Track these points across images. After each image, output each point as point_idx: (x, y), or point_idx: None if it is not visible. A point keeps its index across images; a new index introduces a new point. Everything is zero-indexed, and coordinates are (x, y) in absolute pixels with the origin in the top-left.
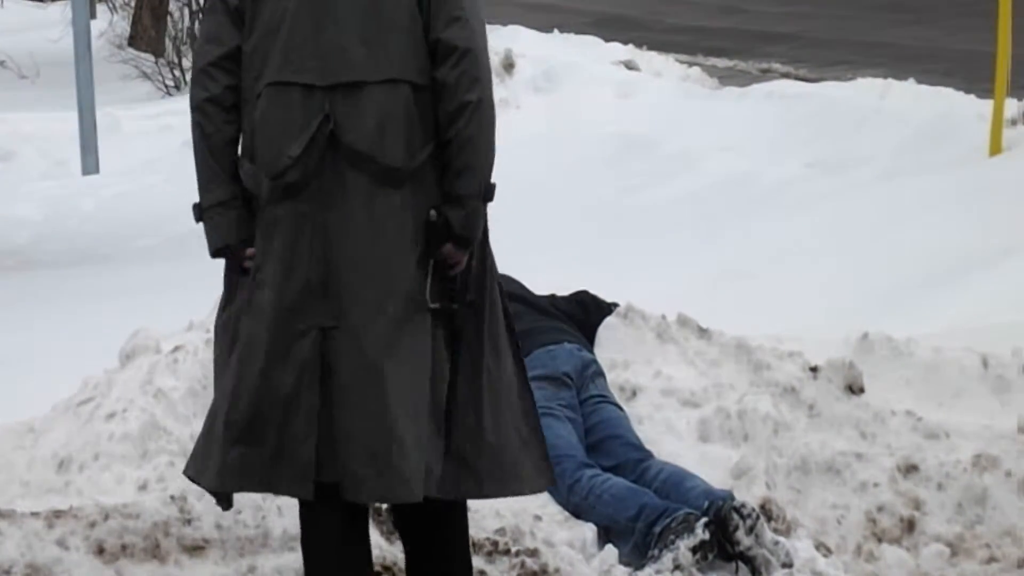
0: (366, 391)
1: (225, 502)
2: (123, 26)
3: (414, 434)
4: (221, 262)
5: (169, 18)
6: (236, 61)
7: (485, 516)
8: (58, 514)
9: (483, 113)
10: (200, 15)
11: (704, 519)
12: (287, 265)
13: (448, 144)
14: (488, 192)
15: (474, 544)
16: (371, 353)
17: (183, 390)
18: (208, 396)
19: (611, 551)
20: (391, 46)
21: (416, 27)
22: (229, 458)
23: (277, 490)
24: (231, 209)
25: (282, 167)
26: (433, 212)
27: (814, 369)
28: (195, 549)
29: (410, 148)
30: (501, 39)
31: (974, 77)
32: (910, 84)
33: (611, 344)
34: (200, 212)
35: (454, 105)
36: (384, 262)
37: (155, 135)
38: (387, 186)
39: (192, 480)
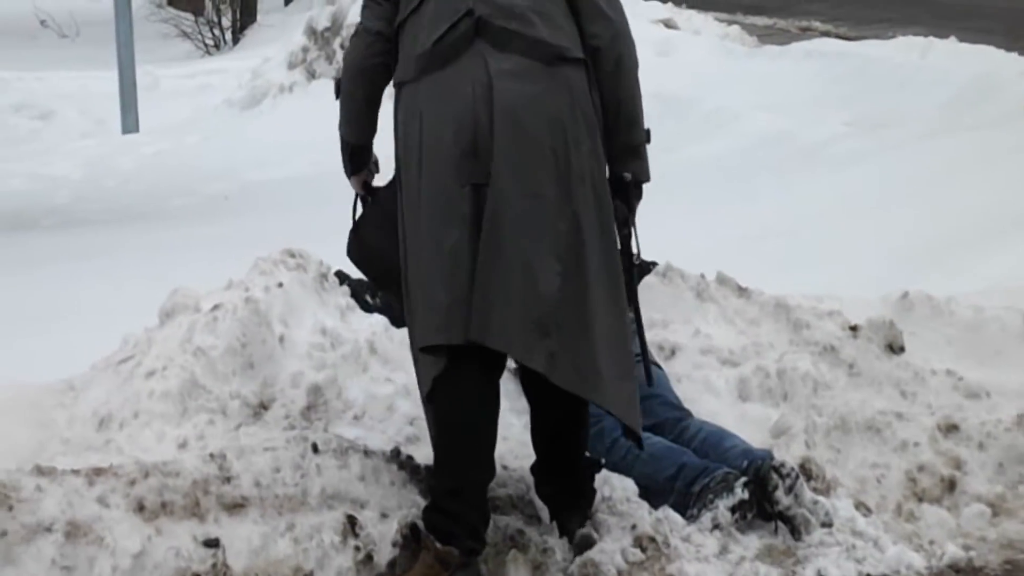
0: (499, 246)
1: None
2: None
3: (549, 310)
4: (260, 221)
5: None
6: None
7: (523, 476)
8: (98, 472)
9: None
10: None
11: (743, 478)
12: (440, 130)
13: (608, 107)
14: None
15: (514, 502)
16: (510, 211)
17: (222, 348)
18: (246, 354)
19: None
20: None
21: None
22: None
23: (449, 339)
24: (363, 120)
25: (425, 49)
26: (626, 173)
27: (854, 328)
28: (234, 507)
29: (561, 37)
30: None
31: (1016, 35)
32: (951, 42)
33: (650, 303)
34: (339, 93)
35: (608, 69)
36: (539, 133)
37: (194, 94)
38: (537, 60)
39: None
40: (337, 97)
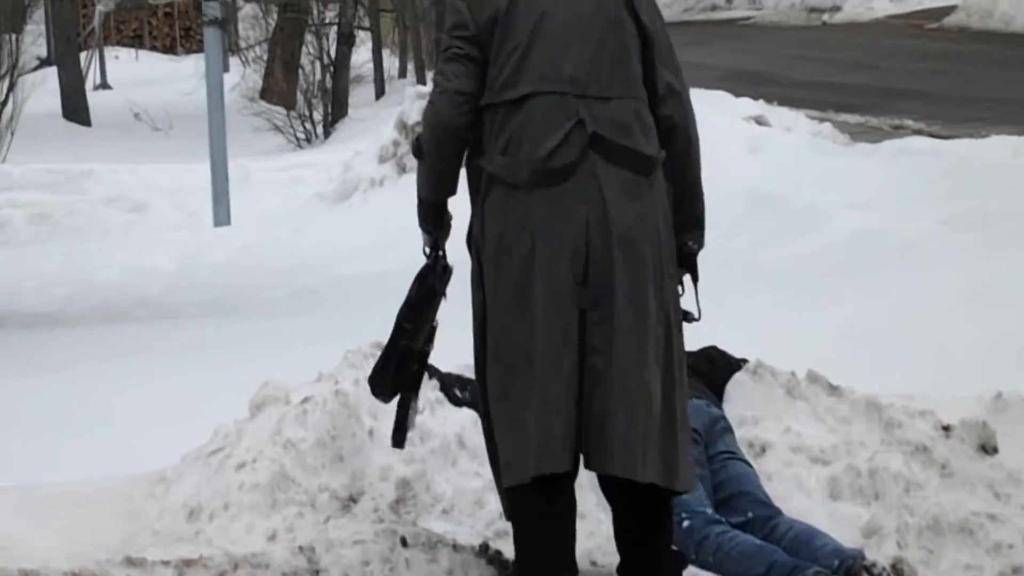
0: (625, 374)
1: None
2: (255, 79)
3: (657, 423)
4: (350, 315)
5: (301, 71)
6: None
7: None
8: (188, 563)
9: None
10: (331, 69)
11: None
12: (553, 254)
13: (674, 181)
14: None
15: None
16: (629, 336)
17: (312, 441)
18: (336, 447)
19: None
20: (632, 72)
21: (638, 58)
22: (542, 439)
23: (560, 467)
24: (446, 180)
25: (539, 157)
26: (690, 241)
27: (947, 428)
28: None
29: (653, 142)
30: None
31: None
32: None
33: (740, 400)
34: (422, 155)
35: (680, 145)
36: (645, 248)
37: (285, 187)
38: (641, 174)
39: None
40: (418, 157)
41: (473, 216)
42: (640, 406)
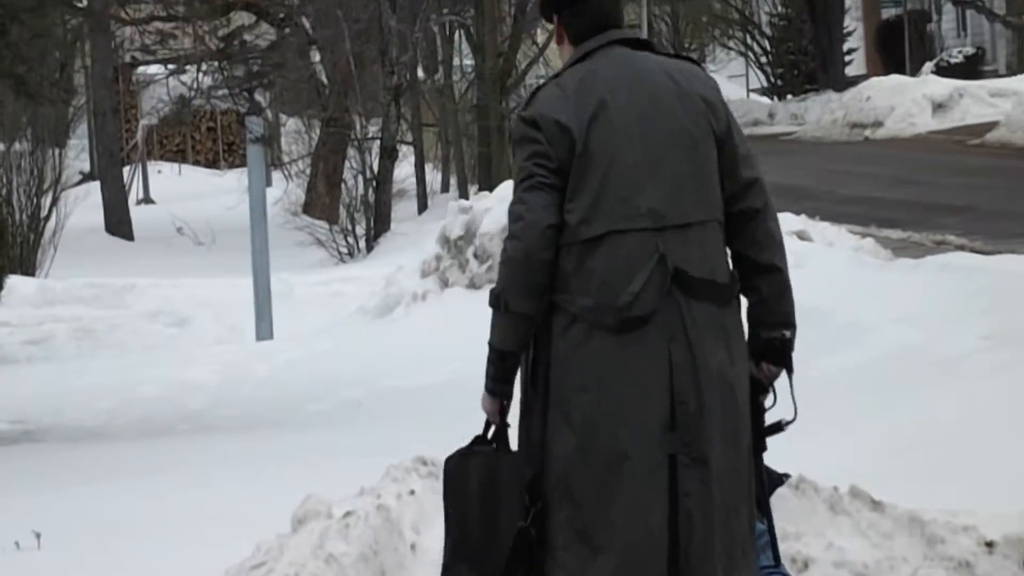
0: (726, 513)
1: None
2: (298, 193)
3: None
4: (392, 429)
5: (343, 186)
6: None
7: None
8: None
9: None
10: (374, 183)
11: None
12: (638, 397)
13: (765, 272)
14: None
15: None
16: (727, 475)
17: (354, 555)
18: (378, 562)
19: None
20: (710, 193)
21: (716, 171)
22: None
23: None
24: (532, 323)
25: (624, 302)
26: (786, 332)
27: (989, 544)
28: None
29: (729, 270)
30: None
31: None
32: None
33: (782, 515)
34: (504, 306)
35: (765, 234)
36: (735, 382)
37: (328, 301)
38: (723, 305)
39: None
40: (498, 308)
41: (540, 346)
42: (727, 540)
